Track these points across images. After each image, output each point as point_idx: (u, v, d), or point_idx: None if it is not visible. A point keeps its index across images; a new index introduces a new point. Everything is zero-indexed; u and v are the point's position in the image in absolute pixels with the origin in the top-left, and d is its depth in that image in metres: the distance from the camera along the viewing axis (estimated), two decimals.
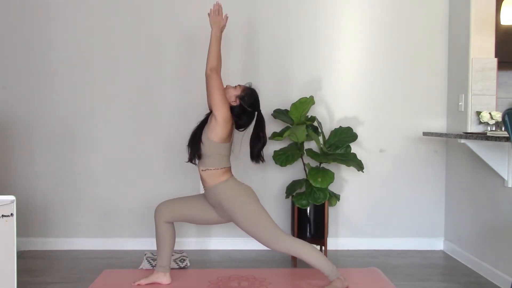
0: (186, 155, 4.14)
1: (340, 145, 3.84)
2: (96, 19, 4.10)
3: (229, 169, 3.13)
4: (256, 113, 3.15)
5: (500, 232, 3.35)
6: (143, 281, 3.18)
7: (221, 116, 2.98)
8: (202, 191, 4.03)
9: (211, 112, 3.13)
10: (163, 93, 4.13)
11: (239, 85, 3.15)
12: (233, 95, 3.08)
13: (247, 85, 3.15)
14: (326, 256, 3.55)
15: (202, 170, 3.09)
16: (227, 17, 3.12)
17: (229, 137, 3.09)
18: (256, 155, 3.16)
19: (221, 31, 3.11)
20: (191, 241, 4.14)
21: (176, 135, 4.10)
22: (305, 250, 3.03)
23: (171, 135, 4.11)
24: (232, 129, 3.11)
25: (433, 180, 4.18)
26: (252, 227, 3.05)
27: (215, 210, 3.16)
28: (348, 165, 3.73)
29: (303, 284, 3.25)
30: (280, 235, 3.04)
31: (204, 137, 3.05)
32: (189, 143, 3.12)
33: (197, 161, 3.12)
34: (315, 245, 3.80)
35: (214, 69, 3.01)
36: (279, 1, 4.12)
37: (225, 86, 3.11)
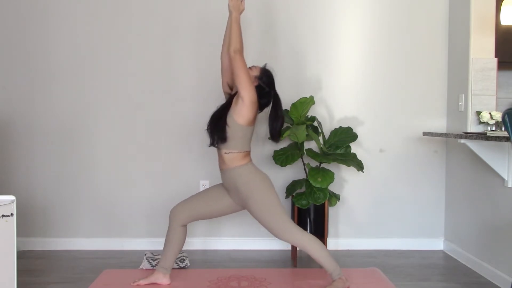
0: (186, 155, 4.16)
1: (340, 145, 3.84)
2: (97, 17, 4.10)
3: (249, 153, 3.14)
4: (272, 92, 3.17)
5: (500, 232, 3.35)
6: (142, 282, 3.19)
7: (248, 97, 2.98)
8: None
9: (231, 96, 3.15)
10: (162, 94, 4.13)
11: (254, 66, 3.16)
12: (252, 76, 3.09)
13: (263, 66, 3.18)
14: None
15: (225, 153, 3.08)
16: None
17: (254, 120, 3.10)
18: (277, 134, 3.19)
19: (240, 15, 3.14)
20: (192, 241, 4.13)
21: (176, 135, 4.11)
22: (313, 245, 3.04)
23: (171, 136, 4.11)
24: (257, 111, 3.11)
25: (433, 180, 4.18)
26: (264, 214, 3.05)
27: (229, 195, 3.16)
28: (348, 165, 3.73)
29: (303, 284, 3.25)
30: (290, 226, 3.05)
31: (229, 120, 3.04)
32: (212, 126, 3.10)
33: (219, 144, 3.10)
34: None
35: (238, 51, 3.02)
36: (280, 2, 4.12)
37: None
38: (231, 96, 3.18)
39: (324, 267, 3.08)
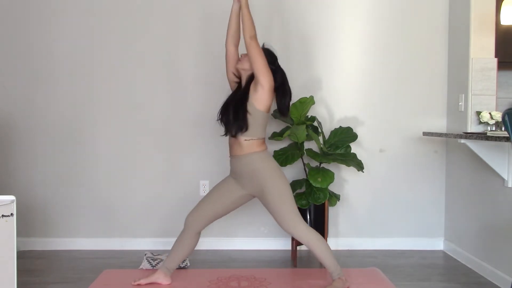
0: (186, 155, 4.15)
1: (340, 145, 3.84)
2: (97, 15, 4.10)
3: (265, 141, 3.16)
4: (279, 71, 3.16)
5: (500, 232, 3.35)
6: (142, 281, 3.19)
7: (268, 82, 3.00)
8: (202, 192, 4.06)
9: (243, 84, 3.13)
10: (163, 94, 4.12)
11: None
12: None
13: (261, 46, 3.15)
14: None
15: (245, 140, 3.06)
16: None
17: (271, 106, 3.11)
18: (287, 109, 3.19)
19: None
20: None
21: (176, 135, 4.11)
22: (317, 243, 3.05)
23: (171, 135, 4.11)
24: (274, 96, 3.11)
25: (433, 180, 4.18)
26: (277, 202, 3.05)
27: (241, 184, 3.14)
28: (348, 165, 3.73)
29: (303, 284, 3.25)
30: (299, 220, 3.07)
31: (250, 108, 3.03)
32: (233, 116, 3.05)
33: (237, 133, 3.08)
34: None
35: (253, 37, 3.03)
36: (279, 3, 4.12)
37: (240, 55, 3.13)
38: (240, 85, 3.17)
39: (325, 266, 3.08)
